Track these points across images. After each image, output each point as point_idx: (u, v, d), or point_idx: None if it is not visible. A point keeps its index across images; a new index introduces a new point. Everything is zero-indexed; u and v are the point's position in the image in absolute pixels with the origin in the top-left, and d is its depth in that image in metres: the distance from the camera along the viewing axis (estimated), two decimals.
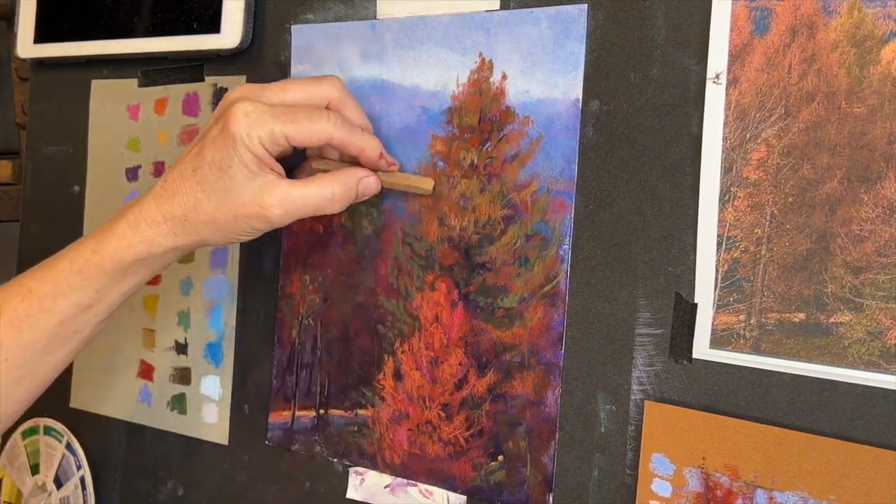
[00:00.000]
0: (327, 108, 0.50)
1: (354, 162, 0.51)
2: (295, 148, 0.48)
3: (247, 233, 0.49)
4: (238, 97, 0.48)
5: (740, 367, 0.44)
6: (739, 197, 0.44)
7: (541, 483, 0.49)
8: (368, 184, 0.50)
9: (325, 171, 0.51)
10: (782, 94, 0.43)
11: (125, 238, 0.49)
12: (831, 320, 0.42)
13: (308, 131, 0.47)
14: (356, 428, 0.56)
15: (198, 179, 0.47)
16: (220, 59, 0.62)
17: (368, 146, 0.49)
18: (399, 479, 0.55)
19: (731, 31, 0.44)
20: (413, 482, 0.54)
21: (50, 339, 0.50)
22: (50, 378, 0.52)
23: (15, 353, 0.50)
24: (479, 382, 0.51)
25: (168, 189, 0.48)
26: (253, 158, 0.46)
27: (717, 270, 0.44)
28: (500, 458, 0.51)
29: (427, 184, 0.52)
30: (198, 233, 0.49)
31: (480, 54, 0.51)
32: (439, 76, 0.53)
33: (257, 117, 0.46)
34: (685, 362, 0.46)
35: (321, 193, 0.48)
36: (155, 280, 0.66)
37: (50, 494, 0.70)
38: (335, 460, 0.57)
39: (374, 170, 0.51)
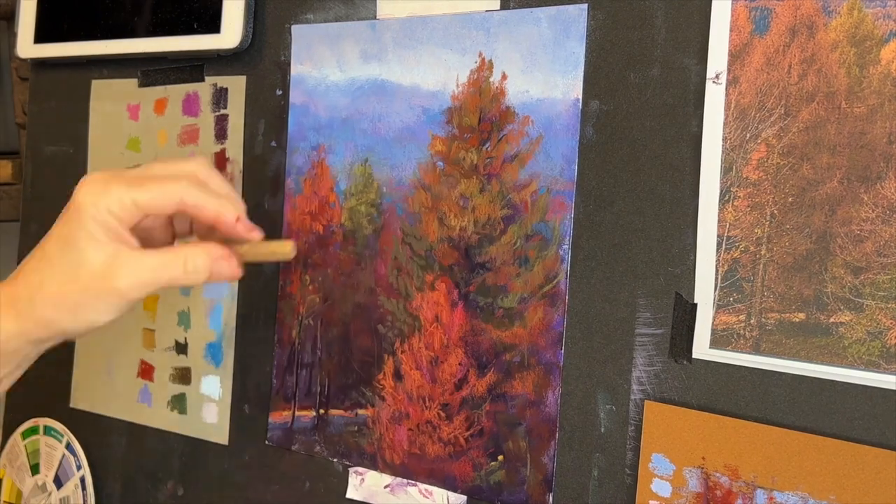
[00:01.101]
0: None
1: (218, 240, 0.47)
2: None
3: (102, 309, 0.44)
4: (89, 175, 0.45)
5: (740, 367, 0.44)
6: (739, 197, 0.44)
7: (541, 483, 0.49)
8: (221, 268, 0.46)
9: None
10: (782, 94, 0.43)
11: None
12: (831, 320, 0.42)
13: (158, 192, 0.44)
14: (356, 428, 0.56)
15: (44, 256, 0.44)
16: (220, 59, 0.62)
17: (225, 209, 0.45)
18: (399, 479, 0.55)
19: (731, 31, 0.44)
20: (413, 482, 0.54)
21: None
22: None
23: None
24: (479, 382, 0.51)
25: (15, 273, 0.45)
26: (99, 228, 0.43)
27: (717, 270, 0.44)
28: (500, 457, 0.51)
29: (286, 247, 0.47)
30: (45, 313, 0.44)
31: (480, 54, 0.51)
32: (439, 76, 0.53)
33: (104, 185, 0.43)
34: (685, 362, 0.46)
35: (176, 263, 0.44)
36: None
37: (50, 494, 0.70)
38: (335, 460, 0.57)
39: (233, 237, 0.46)
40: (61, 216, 0.44)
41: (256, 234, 0.47)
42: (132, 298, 0.44)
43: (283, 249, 0.47)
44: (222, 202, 0.45)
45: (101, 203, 0.43)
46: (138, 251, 0.44)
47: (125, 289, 0.44)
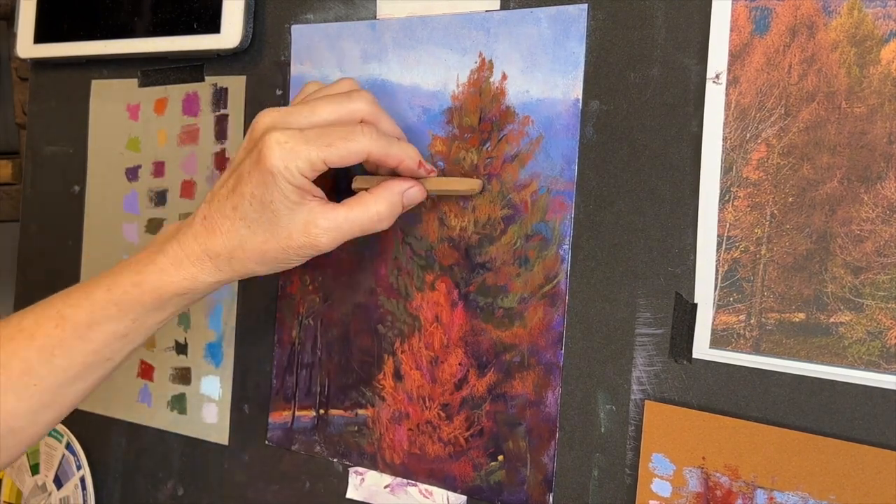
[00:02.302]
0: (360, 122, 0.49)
1: (394, 173, 0.50)
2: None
3: (295, 260, 0.48)
4: (268, 126, 0.46)
5: (740, 366, 0.44)
6: (739, 197, 0.44)
7: (541, 483, 0.49)
8: (412, 195, 0.49)
9: (366, 188, 0.49)
10: (782, 94, 0.43)
11: (168, 274, 0.48)
12: (831, 320, 0.42)
13: (346, 151, 0.46)
14: (356, 428, 0.56)
15: (240, 216, 0.46)
16: (220, 59, 0.62)
17: (407, 156, 0.48)
18: (399, 479, 0.55)
19: (732, 31, 0.44)
20: (413, 482, 0.54)
21: (83, 366, 0.49)
22: (76, 403, 0.51)
23: (47, 379, 0.49)
24: (479, 382, 0.51)
25: (209, 227, 0.48)
26: (294, 190, 0.45)
27: (717, 270, 0.44)
28: (500, 458, 0.51)
29: (472, 184, 0.50)
30: (244, 267, 0.48)
31: (480, 54, 0.51)
32: (439, 76, 0.53)
33: (292, 147, 0.45)
34: (685, 362, 0.46)
35: (367, 215, 0.47)
36: None
37: (50, 494, 0.70)
38: (335, 460, 0.57)
39: (415, 178, 0.50)
40: (249, 175, 0.46)
41: (434, 172, 0.50)
42: (326, 251, 0.48)
43: (470, 186, 0.51)
44: (403, 147, 0.48)
45: (292, 166, 0.45)
46: (329, 206, 0.47)
47: (323, 245, 0.47)
